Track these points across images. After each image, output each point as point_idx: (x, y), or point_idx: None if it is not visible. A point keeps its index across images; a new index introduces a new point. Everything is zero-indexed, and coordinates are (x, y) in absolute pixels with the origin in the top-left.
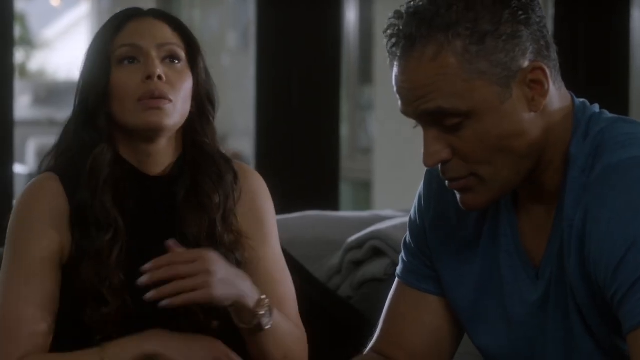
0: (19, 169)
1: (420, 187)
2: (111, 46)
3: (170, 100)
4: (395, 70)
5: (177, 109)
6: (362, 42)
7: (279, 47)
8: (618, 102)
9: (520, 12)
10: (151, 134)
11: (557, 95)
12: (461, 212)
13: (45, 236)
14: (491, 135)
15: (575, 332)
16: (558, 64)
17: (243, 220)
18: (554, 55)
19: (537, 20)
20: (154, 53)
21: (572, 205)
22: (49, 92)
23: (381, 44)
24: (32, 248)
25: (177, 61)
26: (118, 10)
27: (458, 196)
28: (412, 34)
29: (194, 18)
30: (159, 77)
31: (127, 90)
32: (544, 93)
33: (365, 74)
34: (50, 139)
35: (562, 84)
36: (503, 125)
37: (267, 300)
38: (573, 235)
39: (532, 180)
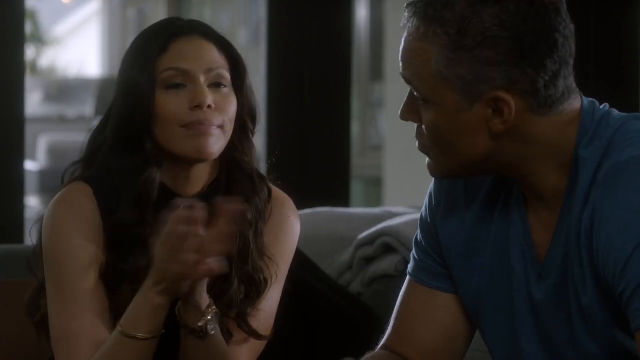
0: (29, 165)
1: (431, 185)
2: (156, 66)
3: (221, 126)
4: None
5: (226, 133)
6: (373, 40)
7: (289, 45)
8: (628, 99)
9: (524, 48)
10: (197, 160)
11: (547, 122)
12: (471, 205)
13: (83, 249)
14: (439, 128)
15: (576, 333)
16: (562, 89)
17: (268, 242)
18: (550, 85)
19: (539, 51)
20: (202, 79)
21: (580, 204)
22: (59, 89)
23: (391, 42)
24: (72, 263)
25: (223, 86)
26: (128, 9)
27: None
28: (421, 10)
29: (204, 15)
30: (209, 106)
31: (174, 117)
32: (505, 121)
33: (376, 72)
34: (60, 136)
35: (567, 102)
36: (452, 127)
37: (215, 309)
38: (582, 234)
39: (527, 183)
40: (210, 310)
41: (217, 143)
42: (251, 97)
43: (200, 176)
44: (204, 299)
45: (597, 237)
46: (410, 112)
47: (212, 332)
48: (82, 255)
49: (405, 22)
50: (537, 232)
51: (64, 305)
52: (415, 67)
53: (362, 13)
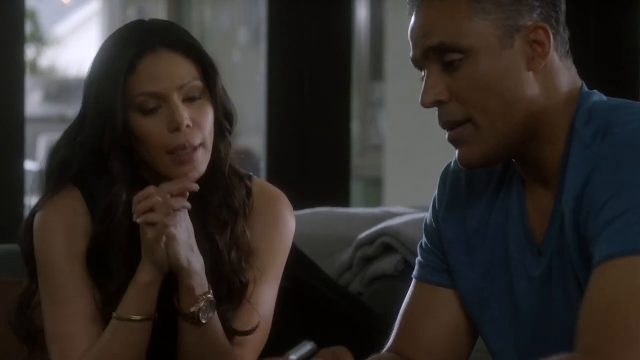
0: (29, 165)
1: (434, 192)
2: (127, 87)
3: (202, 145)
4: (411, 19)
5: (208, 148)
6: (373, 39)
7: (289, 44)
8: (628, 98)
9: None
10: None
11: (564, 73)
12: (471, 201)
13: (75, 254)
14: (487, 77)
15: (576, 309)
16: (568, 45)
17: (254, 239)
18: (563, 33)
19: None
20: (174, 96)
21: (574, 178)
22: (59, 88)
23: (391, 42)
24: (64, 267)
25: (197, 98)
26: (128, 8)
27: (456, 154)
28: None
29: (204, 15)
30: (187, 126)
31: (155, 142)
32: (544, 54)
33: (376, 71)
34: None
35: (573, 67)
36: (499, 70)
37: (211, 297)
38: (575, 205)
39: (531, 156)
40: (204, 297)
41: (202, 164)
42: (224, 97)
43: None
44: (199, 285)
45: (585, 200)
46: (439, 90)
47: (204, 320)
48: (72, 261)
49: (412, 3)
50: (532, 216)
51: (57, 307)
52: (445, 27)
53: (362, 13)
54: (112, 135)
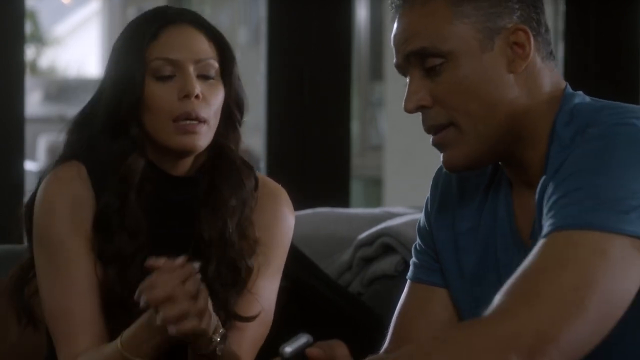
0: (29, 165)
1: (427, 194)
2: (146, 53)
3: (206, 121)
4: (394, 25)
5: (211, 127)
6: (373, 39)
7: (289, 44)
8: (628, 98)
9: None
10: (184, 154)
11: (547, 74)
12: (462, 203)
13: (76, 228)
14: (468, 80)
15: None
16: (551, 47)
17: (259, 231)
18: (545, 34)
19: None
20: (191, 69)
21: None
22: (59, 89)
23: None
24: (64, 242)
25: (211, 77)
26: (128, 8)
27: (441, 158)
28: None
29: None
30: (196, 97)
31: (163, 107)
32: (525, 56)
33: (376, 71)
34: (60, 136)
35: (556, 68)
36: (480, 73)
37: (223, 330)
38: (539, 198)
39: (516, 158)
40: (217, 333)
41: (203, 139)
42: (238, 86)
43: (187, 160)
44: (211, 326)
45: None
46: (421, 96)
47: (220, 353)
48: (74, 235)
49: (395, 9)
50: (520, 217)
51: (57, 283)
52: (426, 31)
53: (362, 13)
54: (130, 99)
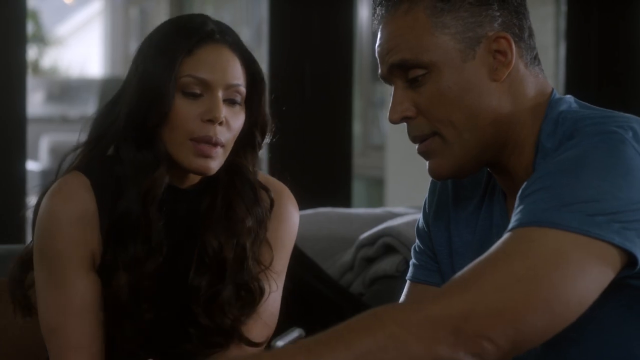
0: (31, 165)
1: (425, 196)
2: (178, 67)
3: (223, 146)
4: (377, 36)
5: (227, 150)
6: (374, 40)
7: (291, 45)
8: (629, 98)
9: None
10: (196, 173)
11: (531, 80)
12: (457, 209)
13: (77, 243)
14: (451, 90)
15: None
16: (536, 52)
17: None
18: (529, 40)
19: (515, 3)
20: (220, 92)
21: None
22: (61, 89)
23: None
24: (65, 257)
25: (237, 103)
26: (130, 8)
27: (427, 166)
28: None
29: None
30: (220, 123)
31: (184, 125)
32: (508, 63)
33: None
34: (62, 136)
35: (541, 73)
36: (462, 83)
37: None
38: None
39: (503, 166)
40: None
41: (218, 162)
42: (265, 113)
43: (196, 177)
44: None
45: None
46: (405, 107)
47: None
48: (76, 250)
49: (378, 19)
50: None
51: (54, 297)
52: (407, 42)
53: (363, 13)
54: (160, 111)
